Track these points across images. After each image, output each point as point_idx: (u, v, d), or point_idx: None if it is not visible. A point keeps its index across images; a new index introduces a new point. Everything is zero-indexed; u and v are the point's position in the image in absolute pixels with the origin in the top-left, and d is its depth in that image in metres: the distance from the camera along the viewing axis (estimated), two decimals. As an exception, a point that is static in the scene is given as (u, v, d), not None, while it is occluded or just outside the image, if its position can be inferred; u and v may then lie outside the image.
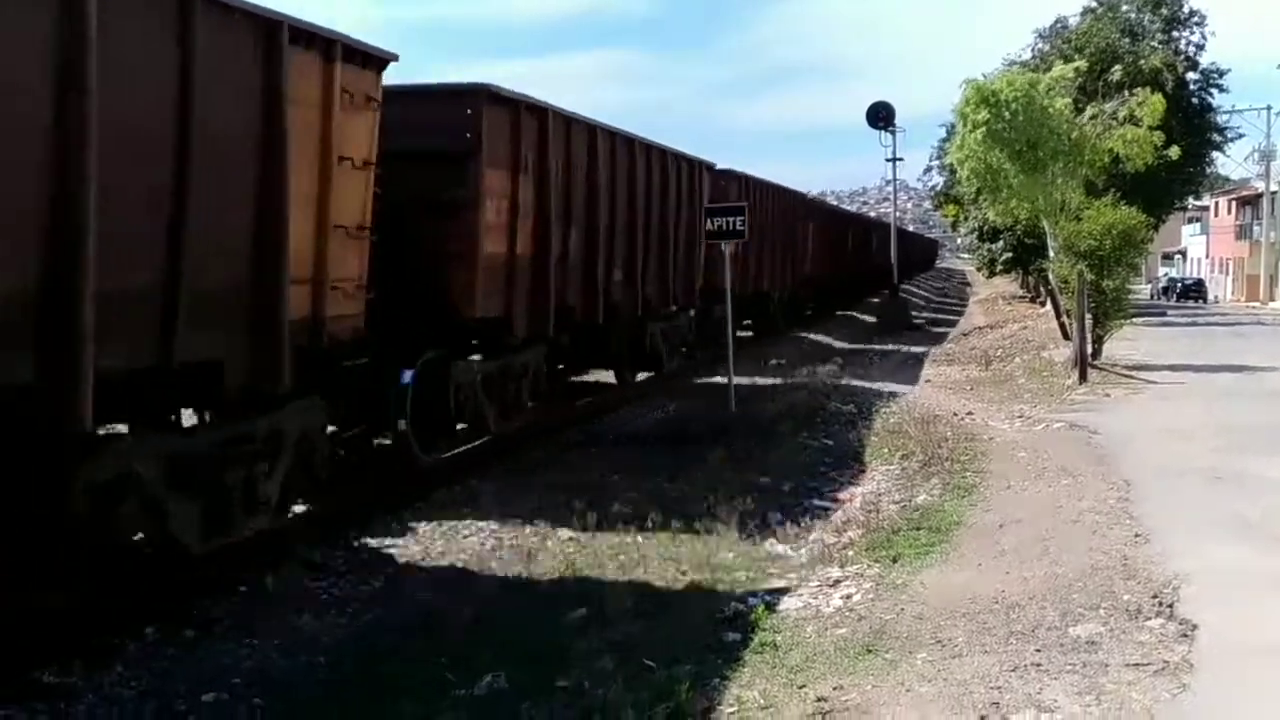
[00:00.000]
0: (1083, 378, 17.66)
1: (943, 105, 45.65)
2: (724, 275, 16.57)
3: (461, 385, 11.45)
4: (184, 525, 7.28)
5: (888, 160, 42.96)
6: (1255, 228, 59.47)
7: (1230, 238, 66.44)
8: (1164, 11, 35.75)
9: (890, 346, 28.04)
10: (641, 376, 18.46)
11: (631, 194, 15.24)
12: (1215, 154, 39.71)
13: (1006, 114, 19.71)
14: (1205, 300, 59.49)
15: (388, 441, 10.81)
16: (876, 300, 44.84)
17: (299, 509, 9.24)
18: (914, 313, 42.36)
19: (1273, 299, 53.17)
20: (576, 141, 13.30)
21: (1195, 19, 36.13)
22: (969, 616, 6.55)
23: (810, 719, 5.39)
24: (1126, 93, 22.10)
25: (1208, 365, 19.46)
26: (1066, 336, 22.48)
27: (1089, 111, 21.67)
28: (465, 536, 9.34)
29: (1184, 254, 79.31)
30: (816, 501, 10.76)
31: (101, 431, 7.02)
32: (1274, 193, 55.18)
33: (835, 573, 8.01)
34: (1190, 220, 72.54)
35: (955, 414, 15.08)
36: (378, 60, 8.95)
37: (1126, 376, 18.22)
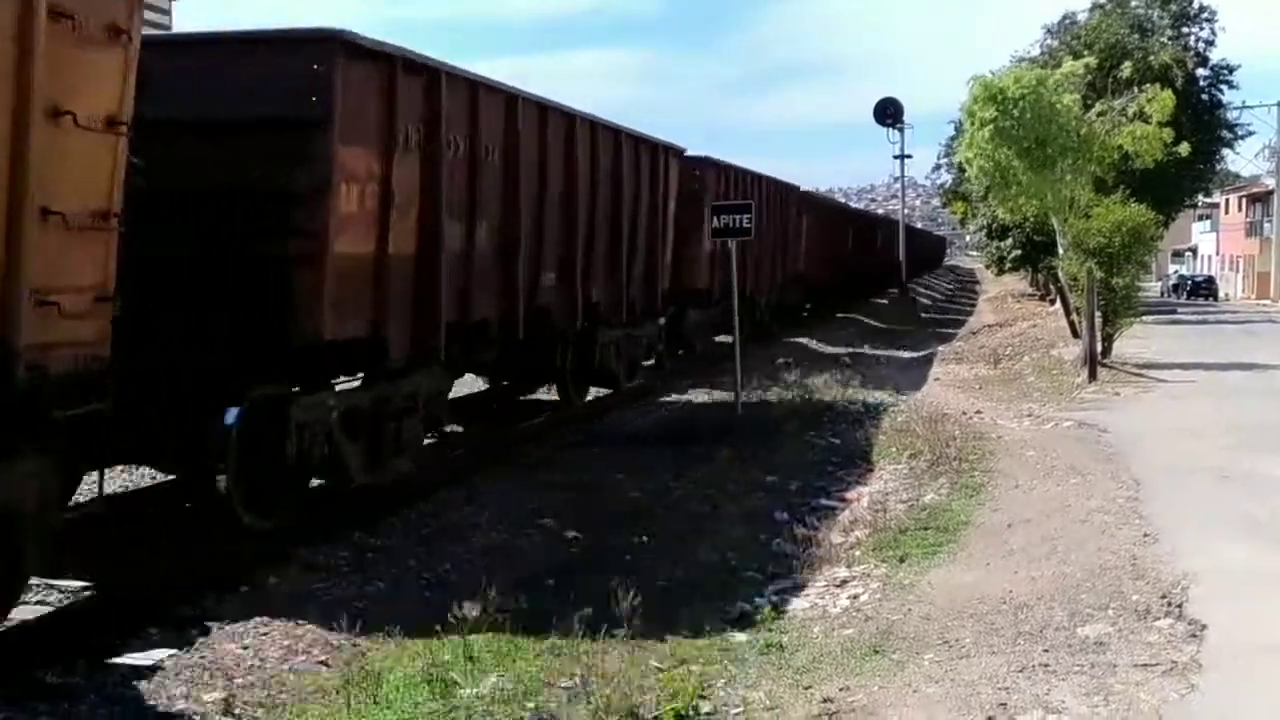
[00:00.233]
0: (1092, 376, 17.60)
1: (950, 102, 45.65)
2: (702, 275, 16.36)
3: (307, 427, 8.80)
4: None
5: (895, 157, 43.07)
6: (1266, 225, 59.19)
7: (1240, 235, 66.18)
8: (1173, 7, 35.65)
9: (891, 352, 26.21)
10: (607, 392, 16.38)
11: (570, 180, 12.83)
12: (1225, 151, 39.58)
13: (1014, 111, 19.63)
14: (1215, 298, 59.31)
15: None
16: (882, 301, 43.45)
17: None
18: (923, 313, 42.13)
19: (1283, 296, 52.96)
20: (488, 113, 10.74)
21: (1205, 15, 36.13)
22: (976, 617, 6.52)
23: (816, 719, 5.36)
24: (1136, 89, 21.99)
25: (1218, 363, 19.37)
26: (1076, 334, 22.40)
27: (1098, 108, 21.59)
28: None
29: (1194, 251, 79.06)
30: (824, 501, 10.72)
31: None
32: (1285, 190, 54.95)
33: (842, 573, 7.98)
34: (1200, 217, 72.22)
35: (964, 413, 15.04)
36: None
37: (1136, 375, 18.15)
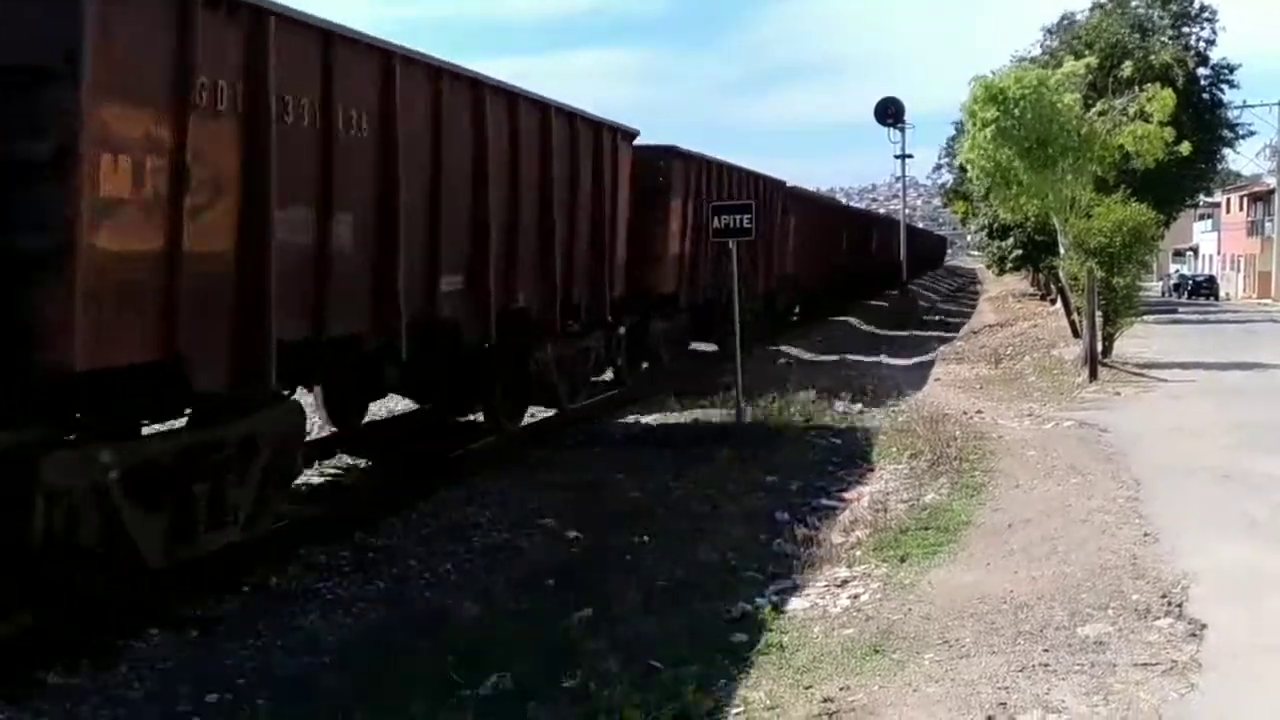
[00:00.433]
0: (1093, 376, 17.60)
1: (951, 102, 45.62)
2: (668, 278, 15.36)
3: (60, 496, 6.29)
4: None
5: (896, 157, 42.92)
6: (1267, 224, 59.18)
7: (1242, 234, 66.17)
8: (1174, 7, 35.64)
9: (887, 359, 24.54)
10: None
11: (479, 164, 10.48)
12: (1226, 150, 39.57)
13: (1015, 111, 19.63)
14: (1217, 297, 59.29)
15: None
16: (882, 304, 41.95)
17: None
18: (924, 314, 41.99)
19: (1285, 296, 52.94)
20: (350, 73, 8.35)
21: (1206, 14, 36.08)
22: (977, 616, 6.53)
23: (816, 719, 5.36)
24: (1137, 88, 21.98)
25: (1219, 363, 19.37)
26: (1077, 334, 22.40)
27: (1099, 107, 21.58)
28: None
29: (1195, 251, 79.04)
30: (824, 501, 10.73)
31: None
32: (1286, 189, 54.94)
33: (843, 572, 7.98)
34: (1201, 217, 72.22)
35: (964, 412, 15.04)
36: None
37: (1137, 374, 18.15)
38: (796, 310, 31.67)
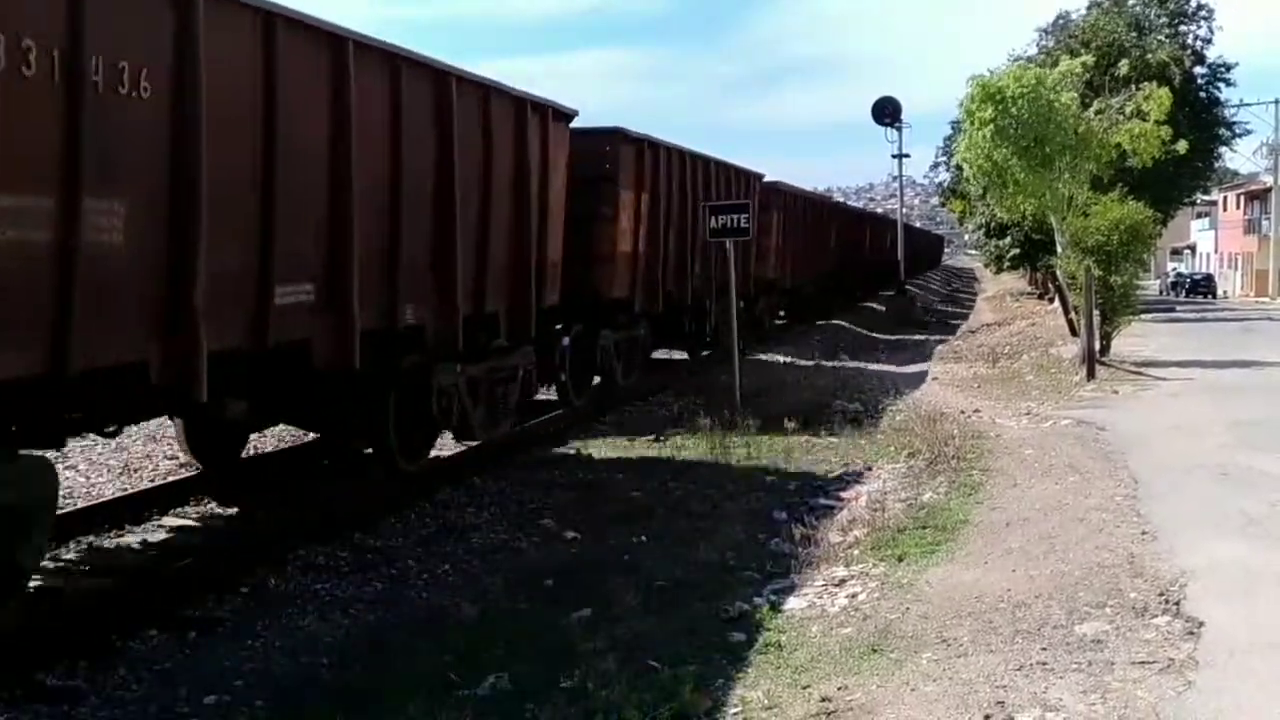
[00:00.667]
0: (1091, 374, 17.62)
1: (949, 101, 45.59)
2: (620, 281, 14.26)
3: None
4: None
5: (894, 156, 42.97)
6: (1264, 222, 59.24)
7: (1239, 233, 66.24)
8: (1171, 5, 35.66)
9: (882, 366, 23.03)
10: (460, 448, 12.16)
11: (338, 142, 8.38)
12: (1223, 149, 39.62)
13: (1013, 110, 19.65)
14: (1214, 295, 59.35)
15: None
16: (878, 306, 41.16)
17: None
18: (921, 314, 41.89)
19: (1282, 294, 52.99)
20: (113, 15, 6.26)
21: (1202, 13, 36.09)
22: (975, 615, 6.53)
23: (814, 719, 5.37)
24: (1133, 87, 22.01)
25: (1216, 361, 19.38)
26: (1074, 333, 22.42)
27: (1095, 106, 21.61)
28: None
29: (1192, 249, 79.12)
30: (822, 500, 10.73)
31: None
32: (1283, 187, 54.97)
33: (841, 572, 7.98)
34: (1199, 215, 72.31)
35: (962, 411, 15.05)
36: None
37: (1135, 373, 18.17)
38: (781, 315, 29.87)
